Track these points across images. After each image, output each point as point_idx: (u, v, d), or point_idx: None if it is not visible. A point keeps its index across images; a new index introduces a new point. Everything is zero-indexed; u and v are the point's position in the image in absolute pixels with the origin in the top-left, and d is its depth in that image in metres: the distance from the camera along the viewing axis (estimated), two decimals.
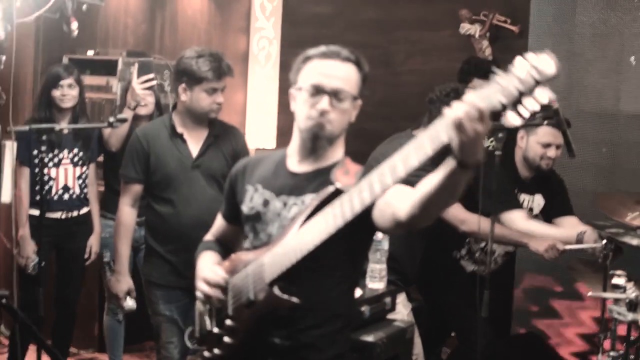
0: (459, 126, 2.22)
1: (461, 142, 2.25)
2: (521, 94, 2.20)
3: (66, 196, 5.43)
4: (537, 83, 2.19)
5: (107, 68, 6.56)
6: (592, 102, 5.74)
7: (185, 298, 4.26)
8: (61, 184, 5.40)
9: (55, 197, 5.38)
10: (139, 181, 4.51)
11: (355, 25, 7.42)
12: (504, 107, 2.22)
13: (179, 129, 4.50)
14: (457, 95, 4.80)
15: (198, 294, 3.03)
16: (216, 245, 3.23)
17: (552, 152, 4.88)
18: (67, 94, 5.35)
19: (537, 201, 5.11)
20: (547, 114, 4.46)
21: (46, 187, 5.26)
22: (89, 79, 6.58)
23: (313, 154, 2.91)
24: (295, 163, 2.96)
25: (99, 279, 6.15)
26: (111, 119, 4.67)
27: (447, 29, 7.18)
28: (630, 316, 3.93)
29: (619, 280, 3.97)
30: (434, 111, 4.83)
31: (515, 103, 2.20)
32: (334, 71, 2.87)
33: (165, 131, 4.51)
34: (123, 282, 4.72)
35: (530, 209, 5.08)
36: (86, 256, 5.63)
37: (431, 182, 2.46)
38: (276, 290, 2.75)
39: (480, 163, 2.34)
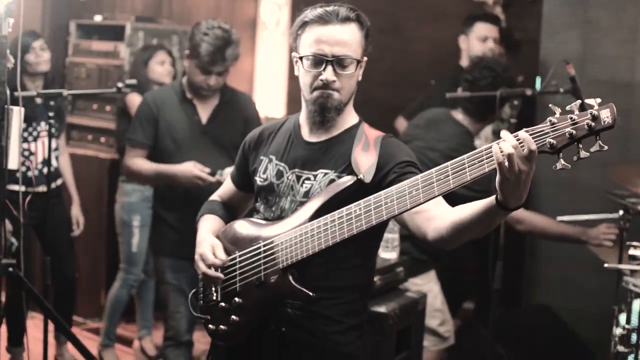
0: (506, 161, 2.18)
1: (503, 179, 2.21)
2: (573, 140, 2.16)
3: (45, 170, 5.28)
4: (592, 132, 2.13)
5: (115, 33, 6.48)
6: (607, 71, 5.65)
7: (193, 268, 4.20)
8: (40, 158, 5.27)
9: (36, 172, 5.25)
10: (145, 146, 4.45)
11: None
12: (553, 148, 2.19)
13: (189, 95, 4.43)
14: (494, 74, 4.62)
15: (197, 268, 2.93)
16: (221, 209, 3.16)
17: None
18: (40, 55, 5.23)
19: None
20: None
21: (27, 163, 5.16)
22: (96, 45, 6.51)
23: (323, 125, 2.84)
24: (308, 132, 2.90)
25: (106, 248, 6.11)
26: (119, 85, 4.58)
27: None
28: None
29: (635, 251, 3.90)
30: (472, 91, 4.63)
31: (565, 147, 2.19)
32: (334, 36, 2.76)
33: (175, 96, 4.46)
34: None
35: None
36: (74, 227, 5.57)
37: (466, 212, 2.43)
38: (292, 280, 2.70)
39: (521, 207, 2.30)
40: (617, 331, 4.09)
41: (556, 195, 5.64)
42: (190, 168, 4.24)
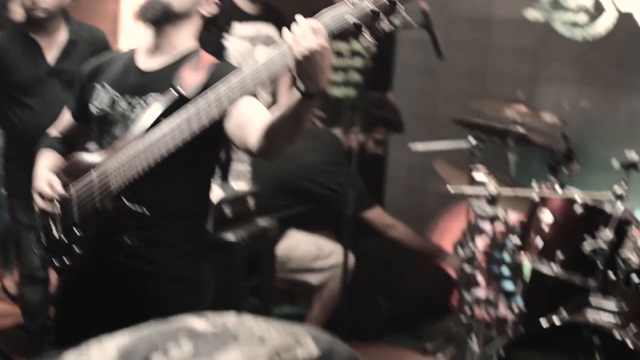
0: (293, 44, 2.21)
1: (296, 60, 2.23)
2: (375, 14, 2.19)
3: None
4: (392, 3, 2.16)
5: None
6: (465, 7, 5.76)
7: None
8: None
9: None
10: None
11: None
12: (358, 27, 2.21)
13: (32, 34, 4.33)
14: None
15: (35, 204, 2.93)
16: (58, 143, 3.14)
17: None
18: None
19: None
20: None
21: None
22: None
23: (158, 39, 2.83)
24: (144, 60, 2.89)
25: None
26: None
27: None
28: (491, 211, 3.97)
29: (479, 175, 4.00)
30: None
31: (370, 23, 2.21)
32: None
33: (19, 38, 4.35)
34: None
35: None
36: None
37: (275, 112, 2.44)
38: (125, 200, 2.71)
39: (324, 91, 2.32)
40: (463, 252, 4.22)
41: (416, 127, 5.74)
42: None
